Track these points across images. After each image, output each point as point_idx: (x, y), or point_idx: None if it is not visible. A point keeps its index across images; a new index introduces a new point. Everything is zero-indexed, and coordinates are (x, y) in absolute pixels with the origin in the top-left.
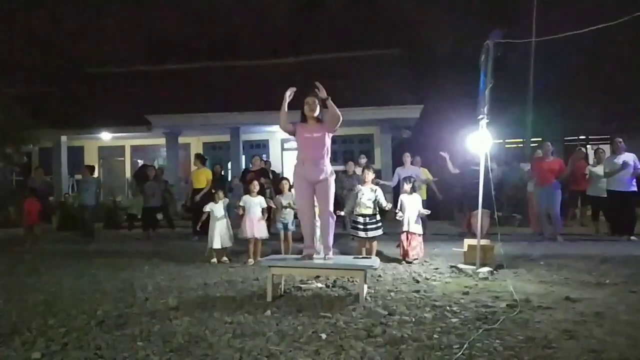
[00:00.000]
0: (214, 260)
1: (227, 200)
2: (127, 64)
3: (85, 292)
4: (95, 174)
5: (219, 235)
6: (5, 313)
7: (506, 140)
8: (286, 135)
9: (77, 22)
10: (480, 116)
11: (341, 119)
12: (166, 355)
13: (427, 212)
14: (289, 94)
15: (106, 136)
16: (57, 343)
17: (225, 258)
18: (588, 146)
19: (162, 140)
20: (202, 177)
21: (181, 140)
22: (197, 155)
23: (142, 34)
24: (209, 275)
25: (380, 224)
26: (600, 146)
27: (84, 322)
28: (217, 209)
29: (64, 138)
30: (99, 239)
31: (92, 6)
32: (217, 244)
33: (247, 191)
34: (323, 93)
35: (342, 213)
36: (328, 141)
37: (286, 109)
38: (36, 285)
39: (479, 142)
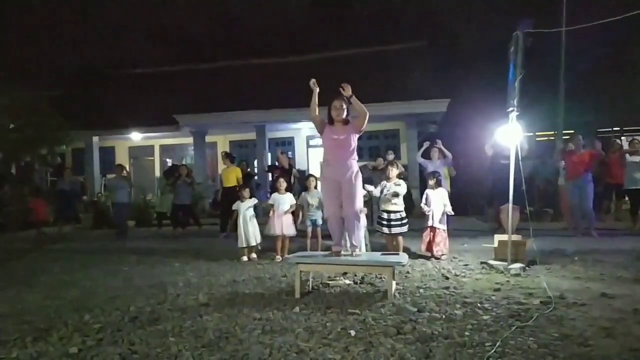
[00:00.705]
0: (245, 257)
1: (254, 199)
2: (155, 64)
3: (118, 288)
4: (125, 174)
5: (245, 233)
6: (43, 309)
7: (537, 134)
8: (311, 132)
9: (106, 24)
10: (510, 108)
11: (367, 115)
12: (198, 350)
13: (451, 212)
14: (314, 88)
15: (136, 136)
16: (92, 338)
17: (253, 255)
18: (622, 138)
19: (189, 140)
20: (232, 176)
21: (208, 139)
22: (227, 154)
23: (168, 35)
24: (237, 272)
25: (405, 221)
26: (636, 137)
27: (118, 318)
28: (243, 207)
29: (95, 139)
30: (130, 237)
31: (120, 8)
32: (243, 243)
33: (275, 189)
34: (348, 91)
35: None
36: (354, 142)
37: (316, 99)
38: (72, 282)
39: (508, 135)
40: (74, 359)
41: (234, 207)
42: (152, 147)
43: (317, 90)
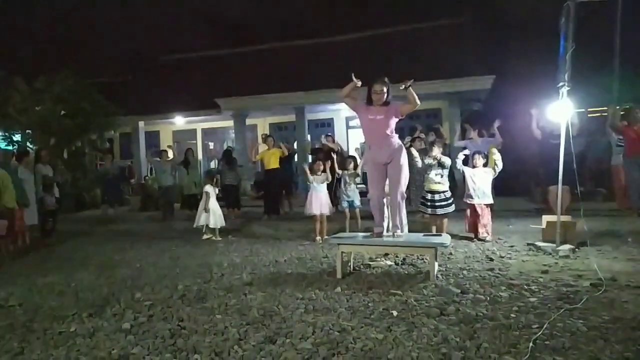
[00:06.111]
0: (209, 236)
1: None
2: (196, 49)
3: (166, 268)
4: (170, 157)
5: (208, 214)
6: (97, 287)
7: (589, 109)
8: (351, 114)
9: (150, 12)
10: (561, 84)
11: (417, 106)
12: (243, 327)
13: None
14: (355, 81)
15: (179, 120)
16: (143, 315)
17: (207, 236)
18: None
19: (230, 123)
20: (274, 158)
21: (248, 121)
22: (267, 136)
23: (207, 20)
24: (279, 252)
25: (451, 201)
26: None
27: (167, 296)
28: (212, 191)
29: (141, 124)
30: (176, 219)
31: None
32: (203, 222)
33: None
34: (407, 82)
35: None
36: (392, 124)
37: (350, 89)
38: (122, 262)
39: (559, 112)
40: (127, 334)
41: (207, 188)
42: (195, 130)
43: (355, 84)
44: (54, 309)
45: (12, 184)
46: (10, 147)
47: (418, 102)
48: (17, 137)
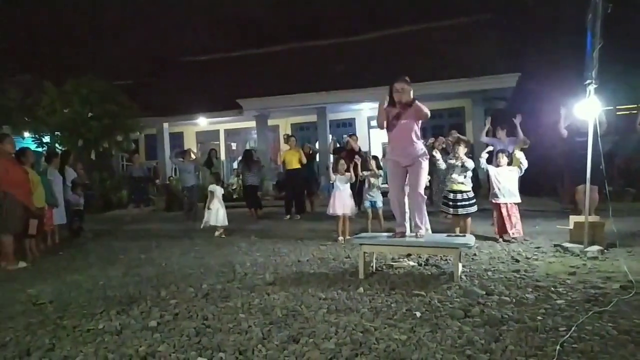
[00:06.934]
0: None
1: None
2: (219, 51)
3: (191, 267)
4: (193, 157)
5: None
6: (123, 285)
7: (617, 107)
8: (372, 113)
9: (172, 15)
10: (588, 81)
11: (429, 116)
12: (266, 327)
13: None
14: (384, 102)
15: (202, 121)
16: (169, 313)
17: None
18: None
19: (252, 123)
20: (295, 158)
21: (270, 122)
22: (289, 137)
23: (229, 21)
24: (301, 252)
25: (473, 201)
26: None
27: (192, 295)
28: (217, 190)
29: (165, 125)
30: (198, 218)
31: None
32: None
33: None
34: (408, 96)
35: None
36: (416, 126)
37: (383, 110)
38: (148, 261)
39: (586, 110)
40: (154, 331)
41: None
42: (218, 131)
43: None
44: (83, 307)
45: (41, 185)
46: (39, 149)
47: (426, 112)
48: (46, 139)
